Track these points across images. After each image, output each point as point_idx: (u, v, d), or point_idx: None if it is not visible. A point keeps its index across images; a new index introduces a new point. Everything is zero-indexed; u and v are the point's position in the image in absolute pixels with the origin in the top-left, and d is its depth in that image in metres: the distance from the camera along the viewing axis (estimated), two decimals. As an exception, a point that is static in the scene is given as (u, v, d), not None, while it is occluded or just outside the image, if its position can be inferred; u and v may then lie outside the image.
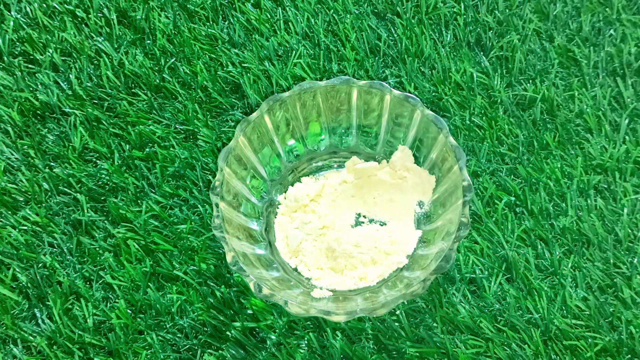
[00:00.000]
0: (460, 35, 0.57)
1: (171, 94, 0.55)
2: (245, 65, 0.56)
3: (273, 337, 0.45)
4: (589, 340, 0.44)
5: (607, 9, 0.58)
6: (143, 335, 0.46)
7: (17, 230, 0.50)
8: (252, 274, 0.40)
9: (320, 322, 0.45)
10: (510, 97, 0.54)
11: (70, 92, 0.55)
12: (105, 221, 0.50)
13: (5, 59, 0.57)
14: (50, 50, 0.57)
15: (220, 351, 0.45)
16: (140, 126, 0.54)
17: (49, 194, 0.51)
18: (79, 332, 0.46)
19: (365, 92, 0.47)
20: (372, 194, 0.49)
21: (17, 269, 0.48)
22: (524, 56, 0.56)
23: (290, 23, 0.58)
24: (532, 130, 0.53)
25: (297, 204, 0.48)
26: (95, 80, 0.56)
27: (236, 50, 0.57)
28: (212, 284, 0.47)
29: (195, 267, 0.48)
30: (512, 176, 0.51)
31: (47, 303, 0.47)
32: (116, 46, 0.58)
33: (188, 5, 0.59)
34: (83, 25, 0.59)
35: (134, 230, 0.49)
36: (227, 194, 0.44)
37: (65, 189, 0.51)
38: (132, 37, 0.58)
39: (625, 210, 0.49)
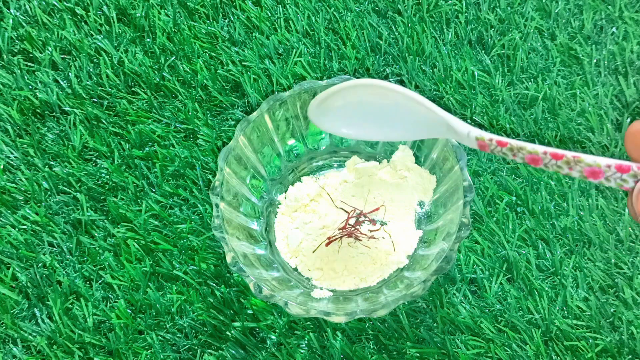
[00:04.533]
0: (461, 33, 0.57)
1: (171, 93, 0.55)
2: (245, 63, 0.56)
3: (273, 337, 0.45)
4: (590, 340, 0.44)
5: (609, 7, 0.58)
6: (143, 335, 0.46)
7: (17, 229, 0.49)
8: (252, 274, 0.40)
9: (321, 322, 0.45)
10: (512, 95, 0.54)
11: (69, 91, 0.55)
12: (105, 220, 0.50)
13: (5, 57, 0.57)
14: (50, 49, 0.57)
15: (220, 351, 0.45)
16: (140, 125, 0.53)
17: (49, 193, 0.51)
18: (79, 331, 0.46)
19: (366, 92, 0.46)
20: (373, 193, 0.48)
21: (17, 269, 0.48)
22: (526, 54, 0.56)
23: (290, 21, 0.58)
24: (534, 129, 0.53)
25: (298, 203, 0.48)
26: (94, 78, 0.56)
27: (236, 49, 0.57)
28: (212, 283, 0.47)
29: (195, 267, 0.47)
30: (513, 176, 0.51)
31: (47, 303, 0.47)
32: (116, 44, 0.57)
33: (188, 3, 0.59)
34: (82, 23, 0.58)
35: (134, 229, 0.49)
36: (227, 194, 0.43)
37: (65, 188, 0.51)
38: (131, 35, 0.58)
39: (627, 210, 0.49)
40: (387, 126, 0.40)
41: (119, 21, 0.58)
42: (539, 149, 0.32)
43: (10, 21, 0.58)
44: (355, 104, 0.39)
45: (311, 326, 0.45)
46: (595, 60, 0.56)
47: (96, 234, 0.49)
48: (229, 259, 0.40)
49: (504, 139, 0.33)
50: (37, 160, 0.52)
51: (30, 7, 0.59)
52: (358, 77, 0.55)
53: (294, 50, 0.56)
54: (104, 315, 0.46)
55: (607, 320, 0.45)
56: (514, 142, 0.33)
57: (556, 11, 0.58)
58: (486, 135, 0.34)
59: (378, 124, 0.40)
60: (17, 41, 0.58)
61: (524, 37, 0.57)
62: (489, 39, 0.57)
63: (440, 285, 0.46)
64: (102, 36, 0.58)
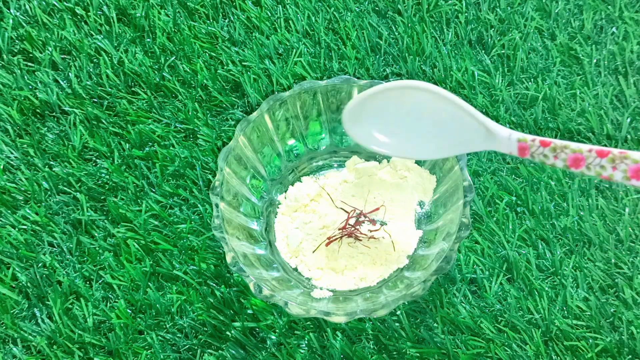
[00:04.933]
0: (461, 33, 0.57)
1: (171, 93, 0.55)
2: (245, 63, 0.56)
3: (273, 337, 0.45)
4: (590, 340, 0.44)
5: (609, 7, 0.58)
6: (143, 335, 0.46)
7: (17, 229, 0.49)
8: (252, 274, 0.40)
9: (321, 322, 0.45)
10: (512, 95, 0.54)
11: (69, 91, 0.55)
12: (105, 220, 0.50)
13: (5, 57, 0.57)
14: (50, 49, 0.57)
15: (220, 351, 0.45)
16: (140, 125, 0.53)
17: (49, 193, 0.51)
18: (79, 331, 0.46)
19: (366, 92, 0.46)
20: (373, 193, 0.48)
21: (17, 269, 0.48)
22: (526, 54, 0.56)
23: (290, 21, 0.58)
24: (534, 129, 0.53)
25: (297, 203, 0.48)
26: (94, 78, 0.56)
27: (236, 49, 0.57)
28: (212, 283, 0.47)
29: (195, 267, 0.47)
30: (513, 176, 0.51)
31: (47, 303, 0.47)
32: (116, 44, 0.57)
33: (188, 3, 0.59)
34: (82, 23, 0.58)
35: (134, 229, 0.49)
36: (227, 194, 0.43)
37: (65, 188, 0.51)
38: (131, 35, 0.58)
39: (627, 210, 0.49)
40: (422, 138, 0.38)
41: (119, 21, 0.58)
42: (584, 147, 0.31)
43: (10, 21, 0.58)
44: (390, 110, 0.38)
45: (311, 326, 0.45)
46: (595, 60, 0.56)
47: (96, 234, 0.49)
48: (229, 259, 0.40)
49: (547, 139, 0.33)
50: (37, 160, 0.52)
51: (30, 7, 0.59)
52: (358, 77, 0.55)
53: (294, 50, 0.56)
54: (104, 315, 0.46)
55: (607, 320, 0.45)
56: (557, 142, 0.32)
57: (556, 11, 0.58)
58: (528, 136, 0.33)
59: (412, 135, 0.39)
60: (17, 41, 0.58)
61: (524, 37, 0.57)
62: (489, 39, 0.57)
63: (440, 285, 0.46)
64: (102, 36, 0.58)
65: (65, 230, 0.50)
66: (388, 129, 0.40)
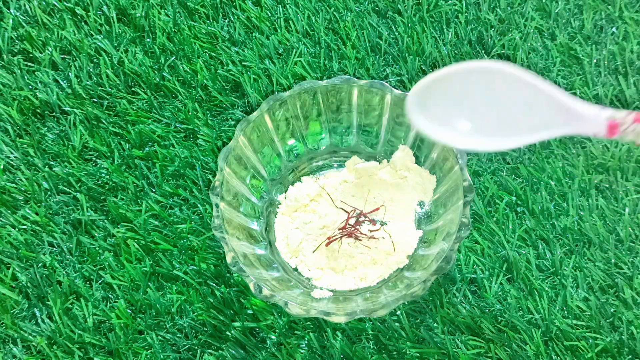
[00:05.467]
0: (461, 33, 0.57)
1: (171, 93, 0.55)
2: (245, 63, 0.56)
3: (273, 337, 0.45)
4: (590, 340, 0.44)
5: (609, 7, 0.58)
6: (143, 335, 0.46)
7: (17, 229, 0.49)
8: (252, 274, 0.40)
9: (321, 322, 0.45)
10: (512, 95, 0.54)
11: (69, 91, 0.55)
12: (105, 220, 0.50)
13: (5, 57, 0.57)
14: (50, 49, 0.57)
15: (220, 351, 0.45)
16: (140, 125, 0.53)
17: (49, 193, 0.51)
18: (79, 331, 0.46)
19: (366, 92, 0.47)
20: (373, 193, 0.48)
21: (17, 269, 0.48)
22: (526, 54, 0.56)
23: (290, 21, 0.58)
24: (534, 129, 0.53)
25: (298, 203, 0.48)
26: (94, 78, 0.56)
27: (236, 49, 0.57)
28: (212, 283, 0.47)
29: (195, 267, 0.48)
30: (513, 176, 0.51)
31: (47, 303, 0.47)
32: (116, 44, 0.57)
33: (188, 3, 0.59)
34: (82, 23, 0.58)
35: (134, 229, 0.49)
36: (227, 194, 0.43)
37: (65, 188, 0.51)
38: (131, 35, 0.58)
39: (627, 210, 0.49)
40: (493, 125, 0.35)
41: (119, 21, 0.58)
42: None
43: (10, 21, 0.58)
44: (458, 96, 0.35)
45: (311, 326, 0.45)
46: (595, 60, 0.56)
47: (96, 234, 0.49)
48: (229, 259, 0.40)
49: None
50: (37, 160, 0.52)
51: (30, 7, 0.59)
52: (358, 77, 0.55)
53: (294, 50, 0.56)
54: (104, 315, 0.46)
55: (607, 320, 0.45)
56: None
57: (556, 11, 0.58)
58: (622, 112, 0.30)
59: (483, 123, 0.35)
60: (17, 41, 0.58)
61: (524, 37, 0.57)
62: (489, 39, 0.57)
63: (440, 285, 0.46)
64: (102, 36, 0.58)
65: (65, 230, 0.50)
66: (457, 117, 0.35)
